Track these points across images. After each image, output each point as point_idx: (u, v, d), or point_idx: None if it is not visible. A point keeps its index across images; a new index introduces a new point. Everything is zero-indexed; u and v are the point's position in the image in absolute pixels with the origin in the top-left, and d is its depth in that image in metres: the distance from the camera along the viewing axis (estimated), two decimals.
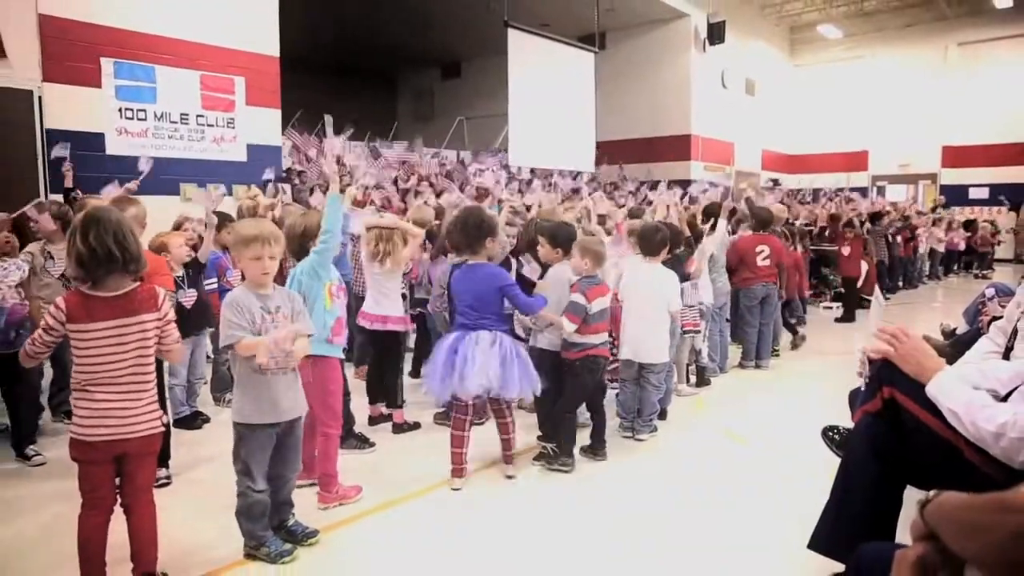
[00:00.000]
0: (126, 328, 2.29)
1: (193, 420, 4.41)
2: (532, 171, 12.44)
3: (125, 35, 7.01)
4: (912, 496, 2.03)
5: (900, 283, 11.57)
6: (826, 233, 10.10)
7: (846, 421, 2.61)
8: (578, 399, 3.79)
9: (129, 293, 2.32)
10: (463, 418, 3.47)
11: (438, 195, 7.34)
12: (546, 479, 3.60)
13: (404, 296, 4.57)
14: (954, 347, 5.60)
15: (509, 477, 3.56)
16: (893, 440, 2.08)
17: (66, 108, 6.65)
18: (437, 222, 5.23)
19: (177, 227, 4.76)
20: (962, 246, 14.50)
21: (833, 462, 2.38)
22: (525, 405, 4.44)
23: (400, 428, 4.35)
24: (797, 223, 9.97)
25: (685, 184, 10.03)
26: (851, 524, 2.12)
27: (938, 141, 18.39)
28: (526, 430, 3.96)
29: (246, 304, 2.57)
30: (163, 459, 3.38)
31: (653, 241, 4.20)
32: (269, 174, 6.97)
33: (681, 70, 15.89)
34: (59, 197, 5.59)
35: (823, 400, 4.93)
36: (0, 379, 3.79)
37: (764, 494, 3.40)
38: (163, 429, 2.42)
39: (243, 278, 2.75)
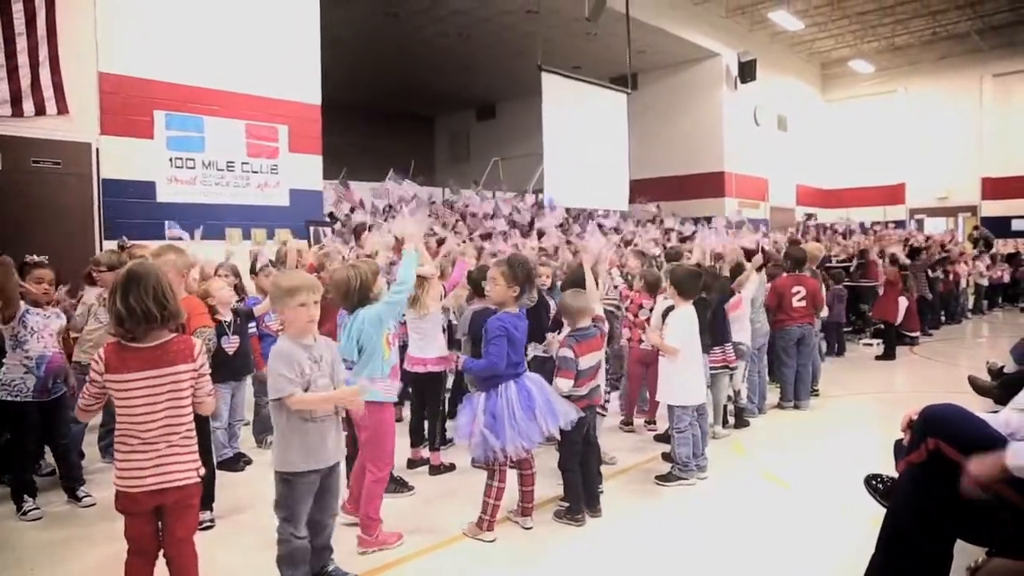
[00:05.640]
0: (159, 379, 2.29)
1: (235, 462, 4.48)
2: (567, 210, 12.53)
3: (176, 88, 7.37)
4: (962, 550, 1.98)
5: (942, 318, 11.29)
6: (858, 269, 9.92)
7: (888, 466, 2.57)
8: (573, 456, 3.59)
9: (164, 344, 2.33)
10: (506, 469, 3.43)
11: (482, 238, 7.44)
12: (588, 523, 3.57)
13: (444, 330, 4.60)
14: (1002, 388, 5.39)
15: (527, 528, 3.50)
16: (941, 492, 2.02)
17: (121, 159, 6.99)
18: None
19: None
20: (1006, 279, 14.12)
21: (877, 510, 2.34)
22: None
23: (436, 470, 4.38)
24: (833, 259, 9.83)
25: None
26: None
27: (977, 173, 18.10)
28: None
29: (295, 357, 2.59)
30: (207, 502, 3.44)
31: (695, 287, 4.18)
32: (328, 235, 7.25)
33: (713, 108, 16.01)
34: (113, 244, 5.83)
35: (864, 443, 4.85)
36: (43, 426, 3.84)
37: (806, 541, 3.33)
38: (199, 480, 2.40)
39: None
